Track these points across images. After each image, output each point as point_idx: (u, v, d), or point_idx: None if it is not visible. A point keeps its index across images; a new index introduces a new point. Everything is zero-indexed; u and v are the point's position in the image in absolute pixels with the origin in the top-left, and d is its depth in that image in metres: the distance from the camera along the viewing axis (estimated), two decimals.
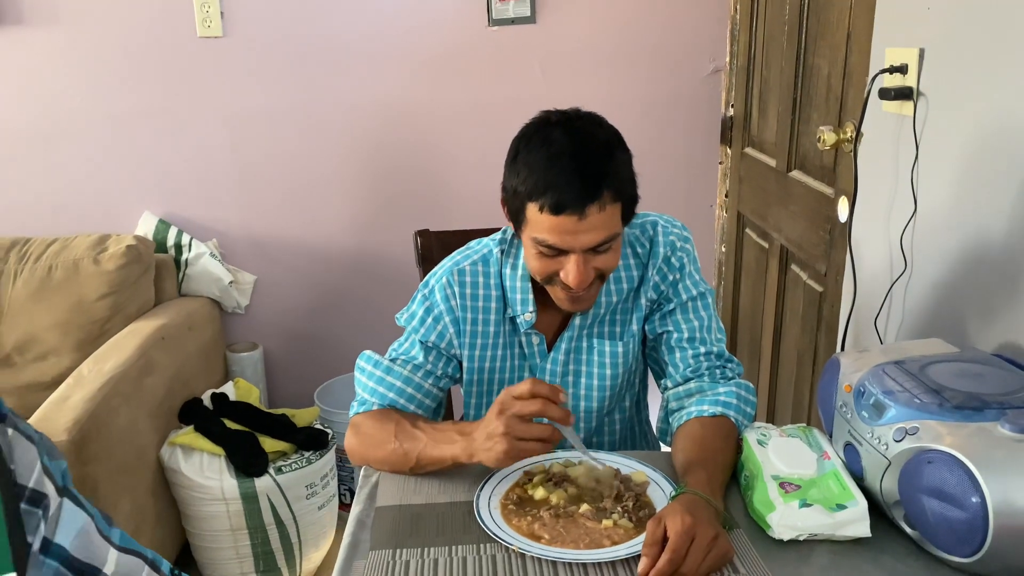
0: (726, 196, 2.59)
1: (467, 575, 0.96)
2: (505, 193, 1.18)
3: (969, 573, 0.92)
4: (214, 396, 2.18)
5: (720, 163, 2.59)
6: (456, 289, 1.26)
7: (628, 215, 1.17)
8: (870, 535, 0.98)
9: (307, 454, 2.10)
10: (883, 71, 1.46)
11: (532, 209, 1.12)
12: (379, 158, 2.51)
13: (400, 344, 1.29)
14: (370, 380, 1.25)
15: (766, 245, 2.27)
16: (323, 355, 2.63)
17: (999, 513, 0.86)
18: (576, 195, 1.08)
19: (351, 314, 2.62)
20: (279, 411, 2.20)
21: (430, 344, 1.27)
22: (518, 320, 1.27)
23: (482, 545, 1.01)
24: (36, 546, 0.67)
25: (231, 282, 2.48)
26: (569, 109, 1.16)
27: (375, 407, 1.23)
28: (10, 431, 0.67)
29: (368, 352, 1.28)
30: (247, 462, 2.01)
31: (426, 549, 1.01)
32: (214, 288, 2.46)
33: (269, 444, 2.07)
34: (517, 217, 1.17)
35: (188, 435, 2.04)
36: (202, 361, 2.34)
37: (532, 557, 0.98)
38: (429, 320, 1.27)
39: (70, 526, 0.69)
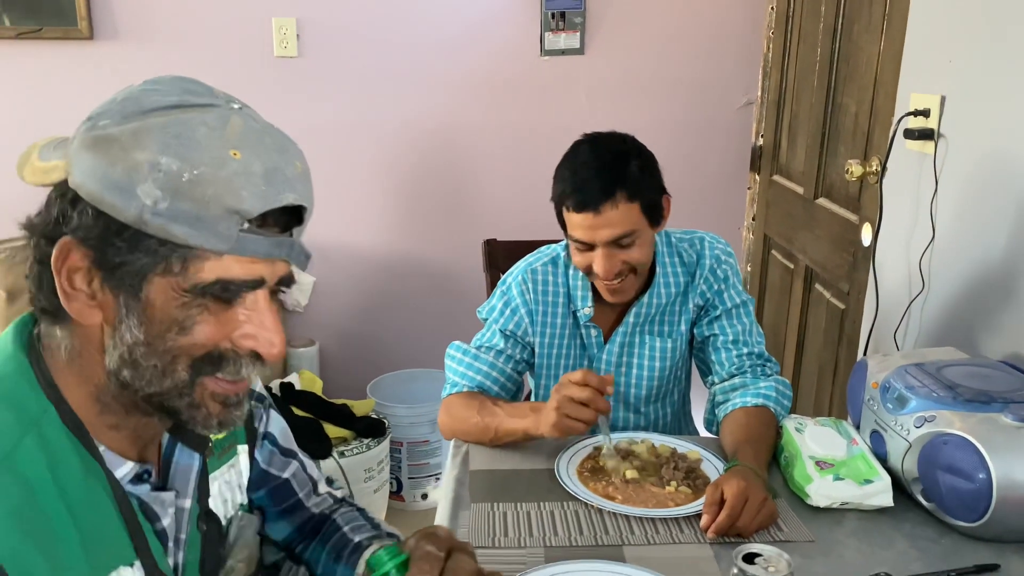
0: (753, 219, 2.79)
1: (556, 525, 1.15)
2: (553, 203, 1.41)
3: (973, 536, 1.11)
4: (282, 385, 2.38)
5: (748, 188, 2.79)
6: (530, 285, 1.47)
7: (653, 216, 1.37)
8: (892, 505, 1.18)
9: (366, 441, 2.30)
10: (908, 114, 1.66)
11: (565, 212, 1.37)
12: (434, 174, 2.72)
13: (483, 334, 1.49)
14: (459, 365, 1.45)
15: (791, 266, 2.46)
16: (374, 353, 2.84)
17: (1001, 486, 1.05)
18: (592, 195, 1.32)
19: (401, 316, 2.83)
20: (339, 401, 2.39)
21: (508, 332, 1.47)
22: (579, 314, 1.48)
23: (565, 503, 1.20)
24: (261, 431, 0.97)
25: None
26: (603, 131, 1.40)
27: (465, 389, 1.43)
28: None
29: (456, 342, 1.49)
30: (313, 446, 2.20)
31: (518, 504, 1.20)
32: None
33: (332, 431, 2.27)
34: (560, 221, 1.41)
35: None
36: None
37: (609, 513, 1.17)
38: (507, 311, 1.48)
39: (276, 424, 1.01)
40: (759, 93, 2.69)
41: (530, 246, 1.74)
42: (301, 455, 1.05)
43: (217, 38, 2.56)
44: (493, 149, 2.71)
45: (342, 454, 2.22)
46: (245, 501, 0.94)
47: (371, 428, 2.32)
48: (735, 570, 0.83)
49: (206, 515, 0.85)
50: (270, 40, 2.57)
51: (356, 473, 2.24)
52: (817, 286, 2.27)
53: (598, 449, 1.33)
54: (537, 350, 1.50)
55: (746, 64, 2.69)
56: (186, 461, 0.82)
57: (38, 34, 2.51)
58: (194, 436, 0.82)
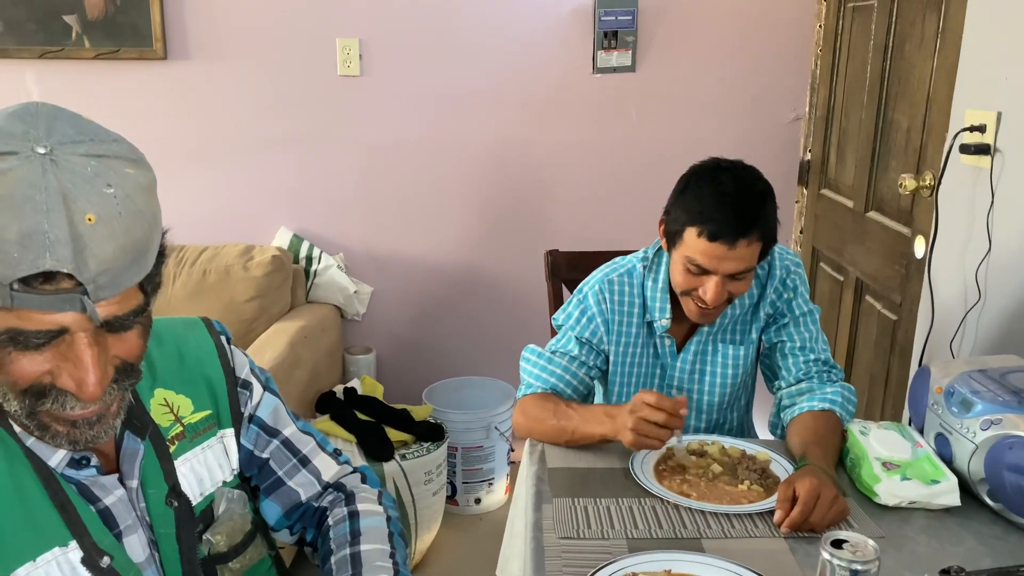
0: (801, 232, 2.84)
1: (636, 519, 1.22)
2: (668, 215, 1.45)
3: None
4: (345, 390, 2.47)
5: (796, 202, 2.84)
6: (606, 295, 1.54)
7: (764, 253, 1.43)
8: (959, 504, 1.22)
9: (426, 444, 2.37)
10: (964, 129, 1.71)
11: (691, 233, 1.38)
12: (488, 188, 2.81)
13: (558, 340, 1.56)
14: (534, 368, 1.52)
15: (841, 278, 2.51)
16: (429, 361, 2.92)
17: None
18: (732, 229, 1.34)
19: (455, 325, 2.92)
20: (399, 406, 2.47)
21: (584, 340, 1.54)
22: (655, 324, 1.54)
23: (642, 499, 1.27)
24: (246, 414, 1.04)
25: (354, 292, 2.79)
26: (735, 160, 1.43)
27: (539, 390, 1.50)
28: (232, 346, 1.04)
29: (532, 346, 1.56)
30: (376, 449, 2.28)
31: (598, 499, 1.27)
32: (339, 296, 2.77)
33: (393, 434, 2.35)
34: (674, 237, 1.43)
35: (325, 423, 2.33)
36: (328, 360, 2.64)
37: (686, 508, 1.23)
38: (584, 320, 1.54)
39: (267, 407, 1.06)
40: (807, 108, 2.75)
41: (589, 257, 1.82)
42: (291, 429, 1.08)
43: (283, 58, 2.68)
44: (546, 164, 2.79)
45: (403, 457, 2.30)
46: (229, 478, 1.00)
47: (430, 432, 2.39)
48: (825, 555, 0.89)
49: (175, 493, 0.91)
50: (334, 60, 2.68)
51: (417, 475, 2.32)
52: (868, 298, 2.31)
53: (670, 450, 1.39)
54: (611, 358, 1.56)
55: (794, 80, 2.75)
56: (132, 447, 0.89)
57: (115, 55, 2.65)
58: (134, 424, 0.89)
